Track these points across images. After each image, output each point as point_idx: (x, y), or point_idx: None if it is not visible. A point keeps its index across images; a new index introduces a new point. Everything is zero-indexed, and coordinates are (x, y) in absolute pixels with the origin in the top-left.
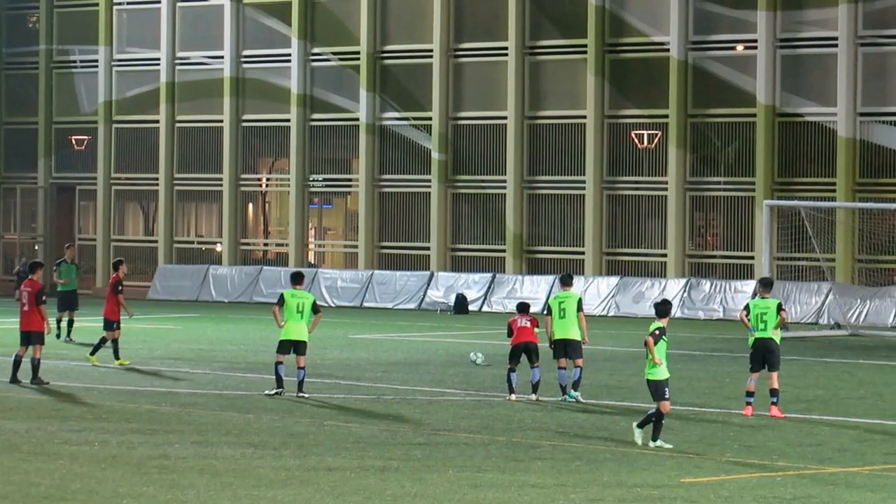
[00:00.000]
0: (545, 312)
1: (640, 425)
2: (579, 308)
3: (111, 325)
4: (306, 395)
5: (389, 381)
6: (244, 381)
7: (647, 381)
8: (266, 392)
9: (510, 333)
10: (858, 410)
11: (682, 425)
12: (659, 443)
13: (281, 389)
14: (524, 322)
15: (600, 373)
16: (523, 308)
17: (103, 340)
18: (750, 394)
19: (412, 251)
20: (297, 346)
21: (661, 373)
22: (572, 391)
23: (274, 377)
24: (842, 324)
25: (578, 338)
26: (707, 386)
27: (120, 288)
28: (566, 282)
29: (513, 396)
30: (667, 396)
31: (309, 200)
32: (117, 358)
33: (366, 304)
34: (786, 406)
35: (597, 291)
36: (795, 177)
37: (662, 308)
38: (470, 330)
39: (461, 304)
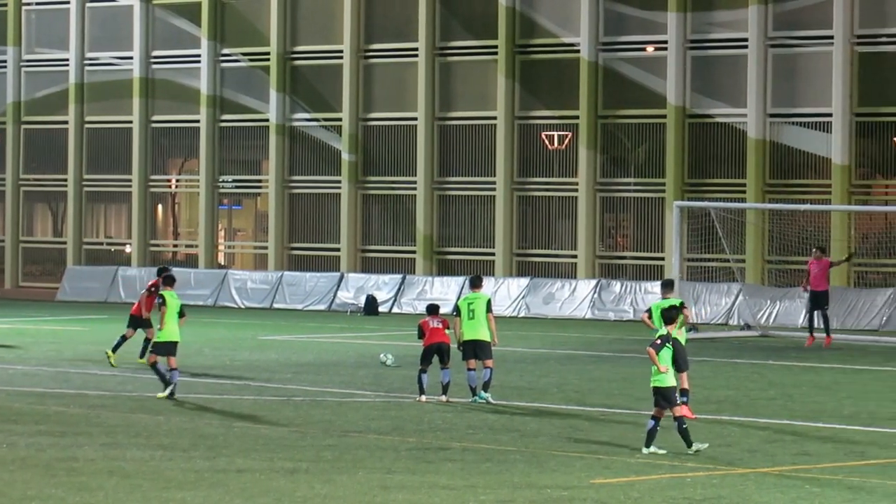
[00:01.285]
0: (454, 314)
1: (648, 444)
2: (488, 309)
3: (137, 322)
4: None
5: (299, 383)
6: (154, 383)
7: (654, 388)
8: (160, 395)
9: (421, 335)
10: (768, 411)
11: (591, 426)
12: (653, 450)
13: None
14: (436, 323)
15: (511, 374)
16: (433, 310)
17: (126, 340)
18: None
19: (322, 252)
20: (175, 347)
21: (668, 380)
22: (482, 392)
23: (158, 378)
24: (752, 325)
25: (488, 339)
26: (617, 387)
27: (153, 290)
28: (475, 283)
29: (423, 398)
30: (678, 402)
31: (218, 201)
32: (142, 357)
33: (276, 306)
34: (696, 407)
35: (507, 292)
36: (705, 178)
37: (669, 314)
38: (380, 331)
39: (371, 305)
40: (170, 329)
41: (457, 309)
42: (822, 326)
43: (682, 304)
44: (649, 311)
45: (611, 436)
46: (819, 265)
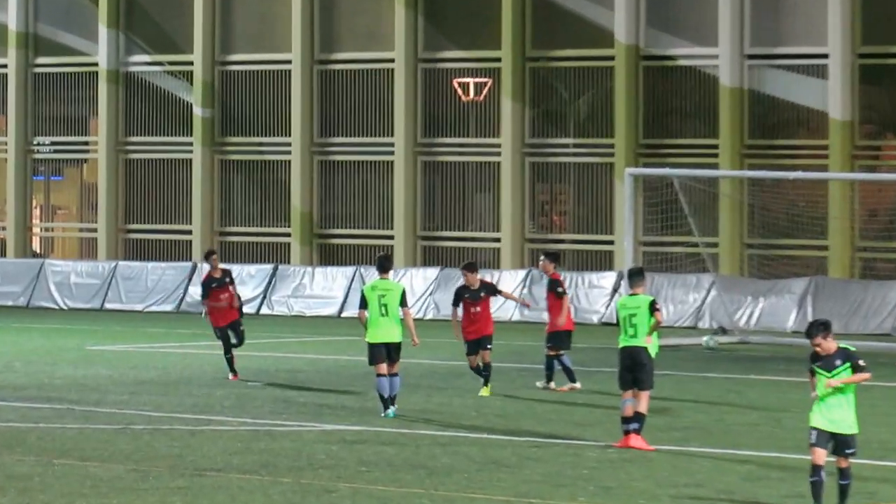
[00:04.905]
0: (361, 305)
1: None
2: (403, 302)
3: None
4: None
5: (139, 406)
6: None
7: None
8: None
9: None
10: (749, 441)
11: (520, 461)
12: None
13: None
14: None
15: (416, 393)
16: (385, 266)
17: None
18: (627, 420)
19: (169, 236)
20: None
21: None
22: (392, 408)
23: None
24: (727, 328)
25: (400, 340)
26: (554, 410)
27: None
28: (384, 266)
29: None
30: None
31: (33, 171)
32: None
33: (108, 306)
34: (655, 435)
35: (410, 287)
36: (666, 137)
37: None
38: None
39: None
40: None
41: (363, 299)
42: None
43: (653, 302)
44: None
45: (545, 474)
46: None
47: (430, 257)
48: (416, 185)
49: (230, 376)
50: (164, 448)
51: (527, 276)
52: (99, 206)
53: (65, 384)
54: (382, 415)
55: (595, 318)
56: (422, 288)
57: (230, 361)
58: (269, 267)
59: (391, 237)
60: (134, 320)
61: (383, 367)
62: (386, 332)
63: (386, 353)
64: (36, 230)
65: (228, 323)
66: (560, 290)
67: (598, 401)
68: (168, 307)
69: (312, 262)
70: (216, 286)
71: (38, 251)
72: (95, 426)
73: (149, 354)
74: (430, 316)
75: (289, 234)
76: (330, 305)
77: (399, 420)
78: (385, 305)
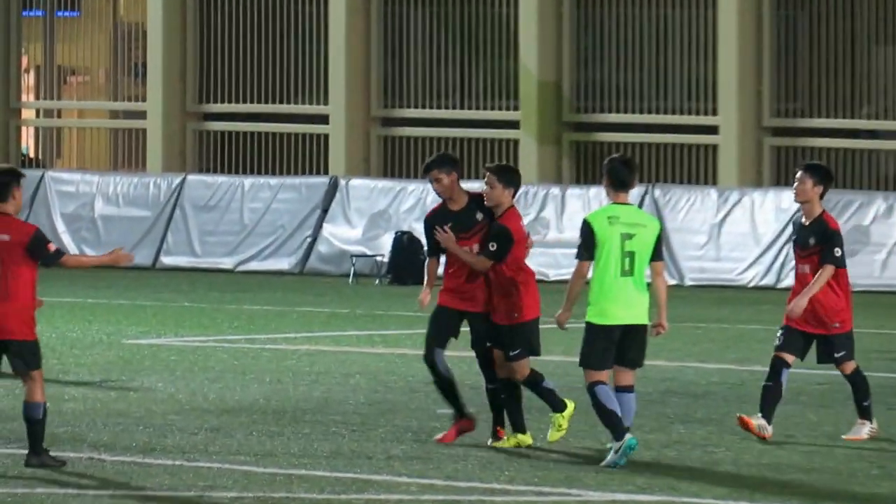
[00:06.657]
0: (583, 251)
1: None
2: (657, 251)
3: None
4: None
5: (227, 455)
6: None
7: None
8: None
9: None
10: None
11: None
12: None
13: None
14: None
15: (781, 424)
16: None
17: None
18: None
19: (285, 126)
20: None
21: None
22: (631, 438)
23: None
24: None
25: (646, 320)
26: None
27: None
28: (624, 181)
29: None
30: None
31: (23, 1)
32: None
33: (166, 261)
34: None
35: (750, 221)
36: None
37: None
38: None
39: (407, 258)
40: None
41: (590, 238)
42: None
43: None
44: None
45: None
46: None
47: (783, 165)
48: (759, 32)
49: (450, 425)
50: None
51: None
52: (149, 68)
53: (86, 410)
54: (610, 461)
55: None
56: (772, 226)
57: (448, 392)
58: (475, 186)
59: (713, 128)
60: (217, 288)
61: (605, 374)
62: (628, 305)
63: (620, 345)
64: (29, 114)
65: (466, 311)
66: (839, 251)
67: None
68: (283, 263)
69: (561, 178)
70: (453, 227)
71: (32, 154)
72: (143, 493)
73: (245, 355)
74: (768, 280)
75: (516, 124)
76: (560, 271)
77: (729, 482)
78: (631, 255)
